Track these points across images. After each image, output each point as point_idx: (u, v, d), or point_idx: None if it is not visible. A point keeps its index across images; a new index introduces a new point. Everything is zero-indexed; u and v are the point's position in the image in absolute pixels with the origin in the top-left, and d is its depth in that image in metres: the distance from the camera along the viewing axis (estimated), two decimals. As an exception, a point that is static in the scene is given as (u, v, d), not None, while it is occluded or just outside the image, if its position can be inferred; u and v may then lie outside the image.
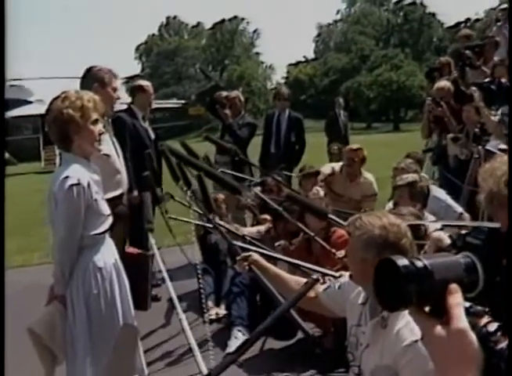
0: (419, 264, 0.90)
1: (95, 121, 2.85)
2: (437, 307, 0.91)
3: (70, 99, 2.79)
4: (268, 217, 4.88)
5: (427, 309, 0.92)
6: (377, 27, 61.32)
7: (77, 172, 2.73)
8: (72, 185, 2.67)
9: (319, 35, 71.40)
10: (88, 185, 2.73)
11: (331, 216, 3.46)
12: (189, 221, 3.44)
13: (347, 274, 2.27)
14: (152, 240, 2.83)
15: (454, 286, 0.90)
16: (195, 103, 33.35)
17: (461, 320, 0.88)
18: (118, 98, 4.03)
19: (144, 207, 3.07)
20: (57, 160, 26.76)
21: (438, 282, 0.89)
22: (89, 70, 4.04)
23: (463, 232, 1.01)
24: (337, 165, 5.83)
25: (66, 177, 2.69)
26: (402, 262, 0.90)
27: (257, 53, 70.40)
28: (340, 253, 3.41)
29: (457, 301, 0.89)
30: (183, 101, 36.74)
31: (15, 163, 27.00)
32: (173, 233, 3.37)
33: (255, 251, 2.75)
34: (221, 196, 5.32)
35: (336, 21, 69.28)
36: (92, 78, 3.97)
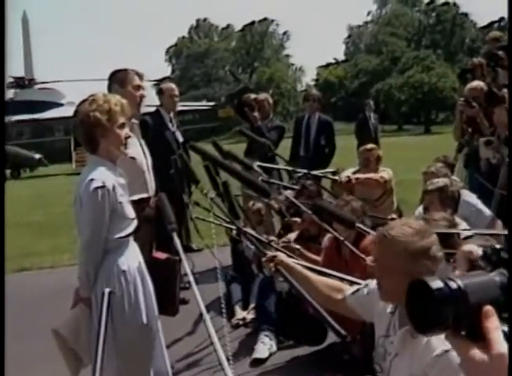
0: (453, 285, 0.86)
1: (122, 125, 2.85)
2: (473, 330, 0.87)
3: (97, 102, 2.80)
4: (298, 220, 4.83)
5: (463, 332, 0.89)
6: (409, 28, 60.70)
7: (102, 175, 2.74)
8: (97, 187, 2.68)
9: (349, 37, 71.05)
10: (113, 188, 2.74)
11: (358, 225, 3.40)
12: (213, 222, 3.41)
13: (374, 281, 2.22)
14: (176, 240, 2.80)
15: (489, 309, 0.87)
16: (224, 105, 33.36)
17: (501, 345, 0.86)
18: (143, 96, 3.97)
19: (162, 208, 3.04)
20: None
21: (474, 304, 0.86)
22: (112, 74, 4.03)
23: (498, 246, 0.97)
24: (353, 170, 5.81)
25: (92, 179, 2.70)
26: (436, 283, 0.86)
27: (287, 55, 70.40)
28: (371, 259, 3.36)
29: (495, 325, 0.87)
30: (213, 103, 36.82)
31: (46, 164, 27.46)
32: (200, 234, 3.34)
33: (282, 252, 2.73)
34: (258, 205, 5.31)
35: (366, 22, 68.88)
36: (113, 80, 3.98)
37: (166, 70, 71.88)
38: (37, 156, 27.06)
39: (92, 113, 2.76)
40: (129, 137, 2.90)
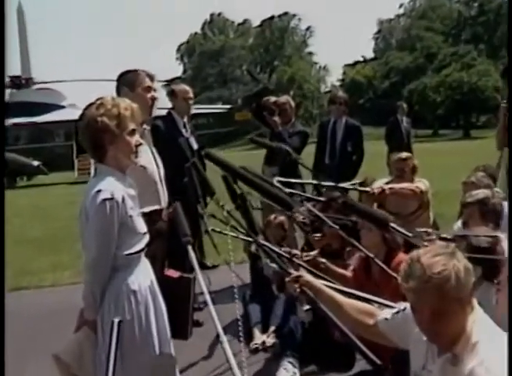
0: None
1: (132, 132, 2.88)
2: None
3: (105, 106, 2.82)
4: (320, 236, 4.85)
5: None
6: (446, 20, 60.06)
7: (110, 186, 2.75)
8: (105, 199, 2.69)
9: (379, 32, 70.97)
10: (123, 199, 2.75)
11: (393, 225, 3.40)
12: (231, 235, 3.42)
13: (408, 305, 2.22)
14: (191, 254, 2.80)
15: None
16: (241, 107, 33.48)
17: None
18: (155, 99, 4.02)
19: (177, 218, 3.05)
20: (92, 170, 27.22)
21: None
22: (121, 75, 4.08)
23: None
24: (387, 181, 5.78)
25: (99, 190, 2.71)
26: None
27: (310, 53, 70.58)
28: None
29: None
30: (228, 106, 36.98)
31: (46, 172, 27.66)
32: (217, 249, 3.36)
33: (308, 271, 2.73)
34: (280, 218, 5.33)
35: (398, 16, 68.77)
36: (122, 82, 4.02)
37: (177, 70, 72.55)
38: (36, 163, 27.26)
39: (100, 118, 2.78)
40: (140, 144, 2.92)
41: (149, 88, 4.01)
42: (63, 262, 8.56)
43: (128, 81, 3.97)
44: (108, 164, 2.86)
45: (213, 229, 3.40)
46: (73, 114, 28.20)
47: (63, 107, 29.92)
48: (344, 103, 7.38)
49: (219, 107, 39.24)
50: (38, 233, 11.50)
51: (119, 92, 3.94)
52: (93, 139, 2.82)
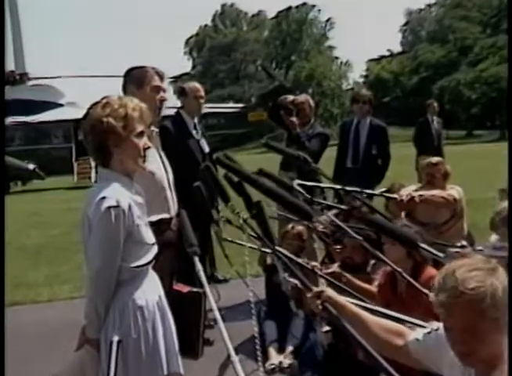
0: None
1: (140, 134, 2.90)
2: None
3: (112, 106, 2.84)
4: (341, 248, 4.86)
5: None
6: (484, 9, 59.20)
7: (116, 192, 2.77)
8: (110, 207, 2.71)
9: (407, 23, 70.83)
10: (129, 207, 2.77)
11: (423, 245, 3.40)
12: (244, 244, 3.43)
13: (441, 325, 2.23)
14: (198, 266, 2.81)
15: None
16: (255, 106, 33.49)
17: None
18: (163, 100, 4.06)
19: (183, 226, 3.07)
20: (92, 174, 27.33)
21: None
22: (128, 72, 4.12)
23: None
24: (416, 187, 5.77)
25: (103, 197, 2.73)
26: None
27: (331, 47, 70.62)
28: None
29: None
30: (241, 105, 37.10)
31: (42, 177, 27.82)
32: (229, 260, 3.38)
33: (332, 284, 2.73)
34: (298, 228, 5.35)
35: (430, 5, 68.49)
36: (129, 80, 4.06)
37: (185, 65, 72.93)
38: (31, 166, 27.40)
39: (106, 118, 2.80)
40: (148, 148, 2.95)
41: (158, 88, 4.04)
42: (61, 274, 8.60)
43: (136, 79, 4.01)
44: (113, 169, 2.87)
45: (225, 239, 3.42)
46: (72, 113, 28.40)
47: (61, 105, 30.09)
48: (368, 102, 7.38)
49: (231, 106, 39.35)
50: (34, 243, 11.59)
51: (125, 90, 3.99)
52: (98, 142, 2.84)
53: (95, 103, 2.89)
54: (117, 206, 2.72)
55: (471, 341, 2.05)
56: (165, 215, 3.95)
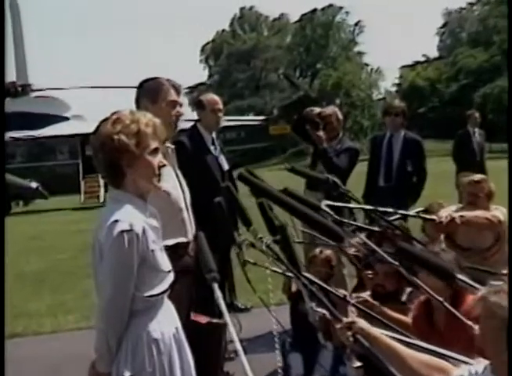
0: None
1: (155, 151, 2.93)
2: None
3: (123, 122, 2.88)
4: (372, 274, 4.85)
5: None
6: (536, 4, 58.63)
7: (129, 215, 2.80)
8: (122, 231, 2.73)
9: (445, 25, 70.45)
10: (143, 231, 2.80)
11: (461, 278, 3.38)
12: (269, 267, 3.45)
13: (487, 362, 2.22)
14: (218, 293, 2.81)
15: None
16: (277, 119, 33.56)
17: None
18: (180, 115, 4.11)
19: (200, 250, 3.08)
20: (101, 194, 27.54)
21: None
22: (141, 85, 4.17)
23: None
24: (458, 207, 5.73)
25: (116, 221, 2.76)
26: None
27: (360, 53, 70.57)
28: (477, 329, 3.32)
29: None
30: (262, 117, 37.19)
31: (46, 196, 27.92)
32: (252, 286, 3.39)
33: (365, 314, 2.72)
34: (327, 253, 5.35)
35: (472, 4, 67.71)
36: (142, 93, 4.11)
37: (201, 74, 73.27)
38: (34, 185, 27.52)
39: (117, 136, 2.83)
40: (163, 166, 2.98)
41: (174, 103, 4.09)
42: (65, 303, 8.65)
43: (150, 93, 4.06)
44: (126, 190, 2.91)
45: (248, 261, 3.43)
46: (78, 127, 28.69)
47: (66, 119, 30.43)
48: (401, 114, 7.37)
49: (251, 119, 39.53)
50: (36, 269, 11.63)
51: (138, 104, 4.04)
52: (109, 161, 2.87)
53: (105, 119, 2.93)
54: (131, 230, 2.75)
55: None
56: (182, 239, 3.98)
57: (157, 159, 2.95)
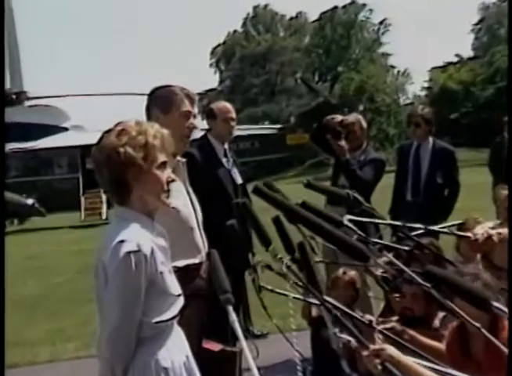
0: None
1: (163, 165, 2.96)
2: None
3: (129, 133, 2.90)
4: (399, 296, 4.85)
5: None
6: None
7: (136, 235, 2.82)
8: (129, 252, 2.75)
9: (481, 21, 69.92)
10: (152, 252, 2.81)
11: (498, 305, 3.38)
12: (288, 294, 3.45)
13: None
14: (233, 316, 2.82)
15: None
16: (295, 127, 33.54)
17: None
18: (194, 128, 4.14)
19: (214, 269, 3.09)
20: (103, 210, 27.67)
21: None
22: (153, 93, 4.20)
23: None
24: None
25: (122, 241, 2.77)
26: None
27: (385, 54, 70.44)
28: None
29: None
30: (278, 125, 37.19)
31: (43, 213, 27.96)
32: (268, 312, 3.40)
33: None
34: (351, 274, 5.35)
35: (513, -5, 67.06)
36: (154, 103, 4.14)
37: (212, 79, 73.31)
38: (30, 201, 27.51)
39: (123, 148, 2.86)
40: (172, 181, 3.01)
41: (188, 114, 4.13)
42: (64, 329, 8.69)
43: (162, 102, 4.09)
44: (132, 207, 2.94)
45: (264, 287, 3.44)
46: (78, 138, 28.83)
47: (65, 129, 30.55)
48: (429, 122, 7.39)
49: (266, 128, 39.52)
50: (32, 293, 11.69)
51: (149, 114, 4.08)
52: (114, 176, 2.89)
53: (109, 131, 2.96)
54: (138, 251, 2.76)
55: None
56: (193, 260, 4.00)
57: (166, 173, 2.97)
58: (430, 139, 7.35)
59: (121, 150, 2.86)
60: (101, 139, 2.97)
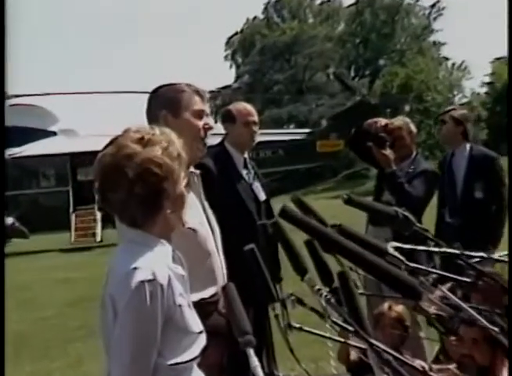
0: None
1: (183, 178, 3.00)
2: None
3: (159, 142, 2.90)
4: (456, 340, 4.82)
5: None
6: None
7: (151, 262, 2.83)
8: (143, 281, 2.75)
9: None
10: (169, 282, 2.82)
11: None
12: (323, 335, 3.46)
13: None
14: (255, 361, 2.84)
15: None
16: (327, 132, 33.51)
17: None
18: (209, 129, 4.14)
19: (231, 306, 3.09)
20: (97, 230, 27.64)
21: None
22: (156, 91, 4.23)
23: None
24: None
25: (134, 268, 2.78)
26: None
27: (437, 44, 70.04)
28: None
29: None
30: (307, 130, 37.18)
31: (26, 235, 27.98)
32: (295, 356, 3.42)
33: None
34: (398, 309, 5.34)
35: None
36: (160, 103, 4.13)
37: (227, 75, 73.37)
38: (10, 220, 27.50)
39: (161, 160, 2.86)
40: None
41: (200, 113, 4.14)
42: (52, 372, 8.72)
43: (169, 103, 4.09)
44: (152, 230, 2.95)
45: (293, 326, 3.44)
46: (68, 144, 28.83)
47: (53, 134, 30.51)
48: (458, 122, 7.38)
49: (292, 132, 39.50)
50: (16, 328, 11.68)
51: (152, 116, 4.08)
52: (148, 193, 2.88)
53: (113, 141, 2.96)
54: (153, 280, 2.76)
55: None
56: (211, 291, 4.01)
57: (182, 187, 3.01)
58: (467, 146, 7.34)
59: (160, 161, 2.87)
60: (118, 148, 2.92)
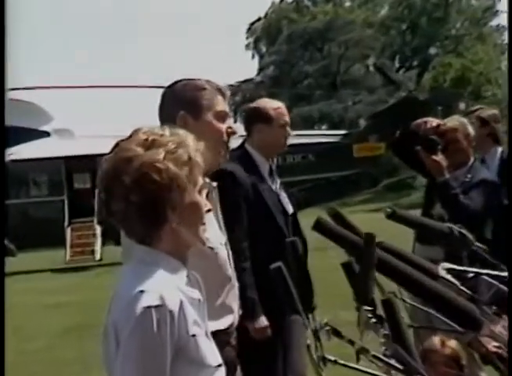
0: None
1: (201, 189, 2.99)
2: None
3: (165, 145, 2.89)
4: None
5: None
6: None
7: (159, 284, 2.82)
8: (149, 307, 2.74)
9: None
10: (180, 307, 2.81)
11: None
12: (365, 370, 3.45)
13: None
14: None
15: None
16: (365, 134, 33.46)
17: None
18: (233, 133, 4.16)
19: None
20: (97, 248, 27.67)
21: None
22: (171, 87, 4.24)
23: None
24: None
25: (140, 292, 2.78)
26: None
27: (502, 28, 69.36)
28: None
29: None
30: (342, 131, 37.18)
31: (13, 252, 27.99)
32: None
33: None
34: (451, 344, 5.30)
35: None
36: (177, 101, 4.14)
37: (249, 66, 73.34)
38: (-3, 237, 27.73)
39: (162, 164, 2.83)
40: (209, 211, 3.05)
41: (224, 115, 4.16)
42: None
43: (189, 101, 4.09)
44: (159, 246, 2.95)
45: (328, 359, 3.43)
46: (63, 147, 28.92)
47: (46, 134, 30.61)
48: (484, 122, 7.41)
49: (324, 134, 39.48)
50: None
51: (166, 116, 4.08)
52: (146, 202, 2.86)
53: (123, 141, 2.96)
54: (161, 305, 2.75)
55: None
56: (228, 321, 4.03)
57: (203, 199, 3.01)
58: (498, 150, 7.37)
59: (161, 166, 2.84)
60: (119, 150, 2.93)
